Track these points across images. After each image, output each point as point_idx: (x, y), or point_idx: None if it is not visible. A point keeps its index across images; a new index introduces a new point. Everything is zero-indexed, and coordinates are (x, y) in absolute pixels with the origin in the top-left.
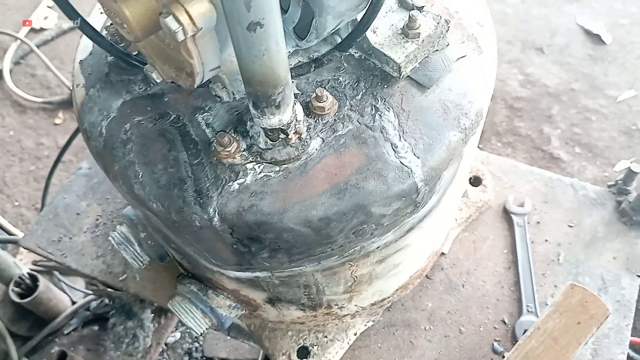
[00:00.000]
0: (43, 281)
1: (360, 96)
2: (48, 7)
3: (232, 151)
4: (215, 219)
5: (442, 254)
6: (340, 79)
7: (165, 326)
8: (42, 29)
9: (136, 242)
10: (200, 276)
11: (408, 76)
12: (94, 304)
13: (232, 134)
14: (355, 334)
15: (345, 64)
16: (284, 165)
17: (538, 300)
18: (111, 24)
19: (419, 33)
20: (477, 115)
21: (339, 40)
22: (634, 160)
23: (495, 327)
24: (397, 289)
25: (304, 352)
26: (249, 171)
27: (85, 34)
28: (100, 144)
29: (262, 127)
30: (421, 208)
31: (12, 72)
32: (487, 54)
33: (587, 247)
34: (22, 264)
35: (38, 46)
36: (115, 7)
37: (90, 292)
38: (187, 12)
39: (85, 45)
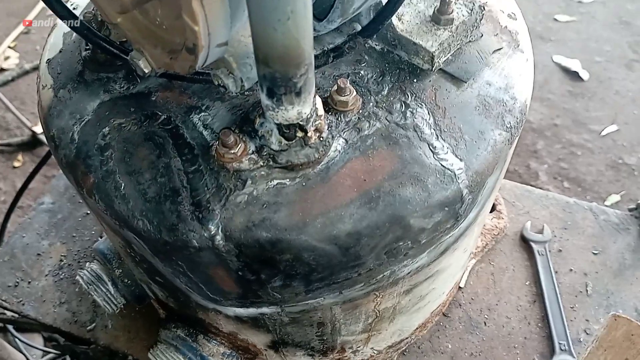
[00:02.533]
0: None
1: (386, 91)
2: (9, 47)
3: (239, 154)
4: (218, 237)
5: (459, 288)
6: (362, 72)
7: None
8: (2, 70)
9: (109, 281)
10: (190, 317)
11: (441, 69)
12: None
13: (238, 134)
14: None
15: (366, 57)
16: (301, 171)
17: (570, 336)
18: (88, 12)
19: (452, 19)
20: (522, 113)
21: (358, 28)
22: (624, 194)
23: None
24: (416, 328)
25: None
26: (258, 178)
27: (56, 14)
28: (71, 152)
29: (276, 123)
30: (461, 222)
31: None
32: (524, 47)
33: (615, 277)
34: None
35: None
36: None
37: (49, 350)
38: None
39: (53, 43)
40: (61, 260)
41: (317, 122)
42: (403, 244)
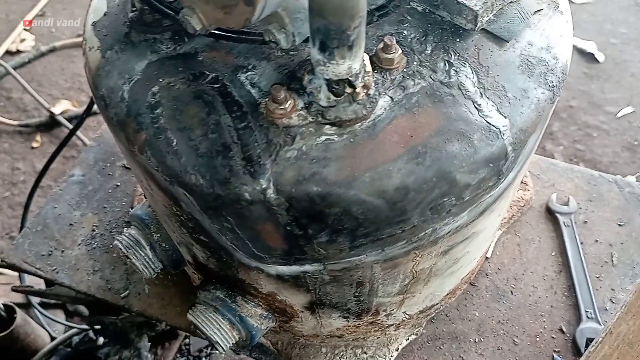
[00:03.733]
0: (20, 313)
1: (430, 50)
2: (24, 29)
3: (289, 109)
4: (270, 191)
5: (486, 258)
6: (405, 32)
7: (163, 357)
8: (18, 52)
9: (148, 246)
10: (230, 279)
11: (483, 29)
12: (76, 339)
13: (287, 90)
14: (397, 350)
15: (408, 17)
16: (349, 127)
17: (597, 305)
18: None
19: None
20: (563, 73)
21: None
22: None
23: (552, 337)
24: (447, 294)
25: None
26: (307, 134)
27: None
28: (122, 110)
29: (325, 79)
30: (502, 181)
31: None
32: (563, 9)
33: None
34: None
35: (14, 68)
36: None
37: (73, 325)
38: None
39: (97, 7)
40: (93, 230)
41: (365, 78)
42: (448, 200)
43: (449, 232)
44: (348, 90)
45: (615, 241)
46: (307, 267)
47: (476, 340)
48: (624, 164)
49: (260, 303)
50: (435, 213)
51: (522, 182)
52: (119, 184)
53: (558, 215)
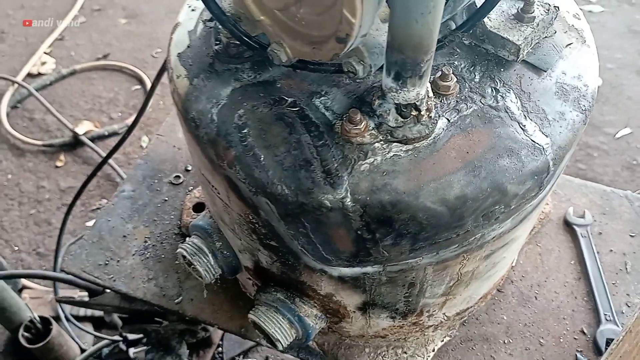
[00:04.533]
0: (56, 325)
1: (478, 79)
2: (45, 53)
3: (362, 129)
4: (348, 199)
5: (511, 266)
6: (456, 62)
7: None
8: (39, 74)
9: (210, 253)
10: (292, 281)
11: (523, 60)
12: (105, 350)
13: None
14: (433, 350)
15: (458, 50)
16: (413, 144)
17: (614, 308)
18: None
19: (534, 17)
20: (593, 98)
21: (453, 26)
22: None
23: (575, 338)
24: (481, 297)
25: None
26: (377, 150)
27: (212, 13)
28: (212, 130)
29: (395, 103)
30: (543, 191)
31: (9, 116)
32: (589, 43)
33: None
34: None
35: (37, 90)
36: None
37: (103, 337)
38: None
39: (179, 39)
40: (145, 242)
41: (429, 103)
42: (498, 207)
43: (493, 237)
44: (414, 112)
45: (629, 251)
46: (368, 269)
47: (505, 342)
48: (624, 182)
49: (316, 304)
50: (486, 219)
51: None
52: (166, 198)
53: (575, 227)
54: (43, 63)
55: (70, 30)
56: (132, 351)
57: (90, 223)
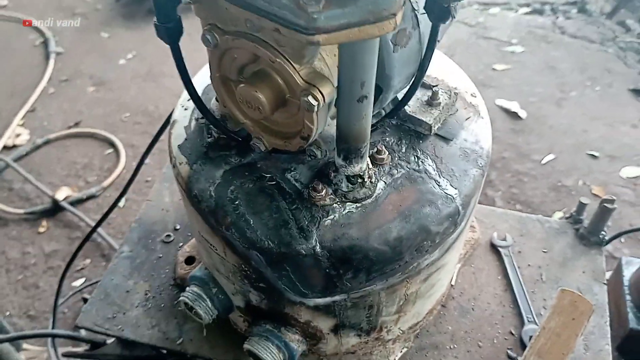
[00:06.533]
0: None
1: (404, 149)
2: (19, 125)
3: (324, 195)
4: (317, 247)
5: (452, 285)
6: (387, 139)
7: None
8: (15, 146)
9: (208, 299)
10: (277, 313)
11: (435, 133)
12: None
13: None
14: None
15: (388, 129)
16: (361, 202)
17: (534, 311)
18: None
19: (440, 102)
20: (487, 157)
21: (383, 113)
22: (566, 210)
23: (505, 339)
24: (427, 312)
25: None
26: (336, 209)
27: (207, 119)
28: (211, 203)
29: (346, 175)
30: (458, 228)
31: None
32: (483, 116)
33: (561, 267)
34: None
35: (14, 161)
36: (254, 95)
37: None
38: (320, 92)
39: (178, 134)
40: (146, 294)
41: (370, 172)
42: (426, 243)
43: (427, 264)
44: (360, 180)
45: (543, 264)
46: (336, 297)
47: (451, 347)
48: (552, 202)
49: (298, 330)
50: (419, 252)
51: (471, 226)
52: (161, 255)
53: (499, 249)
54: (17, 135)
55: (41, 101)
56: None
57: (76, 283)
